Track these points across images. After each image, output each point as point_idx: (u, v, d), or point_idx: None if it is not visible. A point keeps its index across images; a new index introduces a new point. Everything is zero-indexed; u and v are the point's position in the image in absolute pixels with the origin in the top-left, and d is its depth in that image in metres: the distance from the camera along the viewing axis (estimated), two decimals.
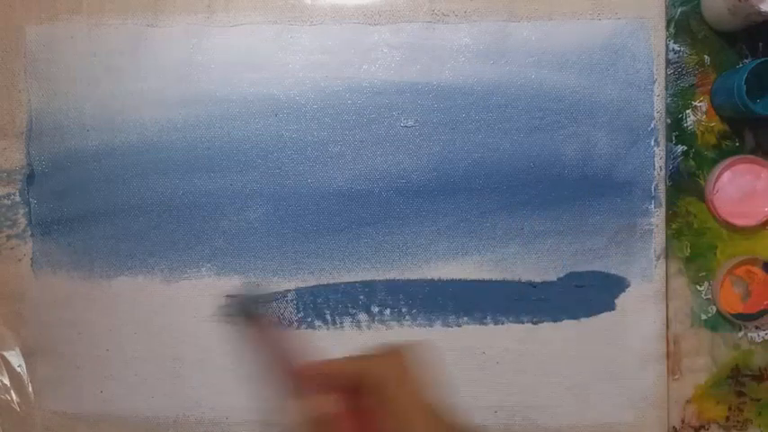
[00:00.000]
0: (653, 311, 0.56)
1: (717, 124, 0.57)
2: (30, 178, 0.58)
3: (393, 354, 0.34)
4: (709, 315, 0.57)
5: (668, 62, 0.56)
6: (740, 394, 0.57)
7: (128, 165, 0.57)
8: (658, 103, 0.55)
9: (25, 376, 0.58)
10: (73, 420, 0.58)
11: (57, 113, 0.57)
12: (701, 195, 0.57)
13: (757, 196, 0.56)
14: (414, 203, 0.56)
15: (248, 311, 0.38)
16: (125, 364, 0.58)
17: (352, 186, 0.57)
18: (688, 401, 0.57)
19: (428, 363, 0.34)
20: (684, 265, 0.57)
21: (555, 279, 0.56)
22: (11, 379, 0.58)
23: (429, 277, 0.57)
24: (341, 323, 0.57)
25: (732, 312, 0.56)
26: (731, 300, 0.56)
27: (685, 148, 0.57)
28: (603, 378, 0.56)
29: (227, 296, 0.39)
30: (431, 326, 0.57)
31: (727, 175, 0.56)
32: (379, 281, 0.57)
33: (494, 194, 0.56)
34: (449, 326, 0.57)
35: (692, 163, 0.57)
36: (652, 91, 0.55)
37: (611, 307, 0.56)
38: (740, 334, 0.57)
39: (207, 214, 0.57)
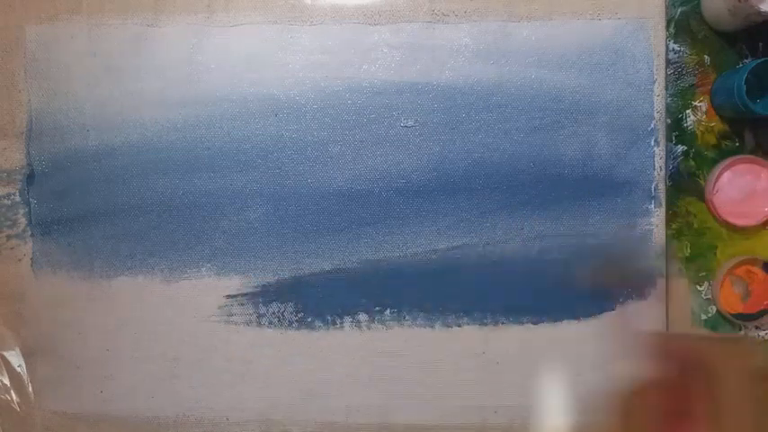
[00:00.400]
0: (653, 311, 0.56)
1: (717, 124, 0.57)
2: (30, 178, 0.58)
3: (738, 342, 0.34)
4: (709, 315, 0.57)
5: (668, 62, 0.56)
6: None
7: (128, 165, 0.57)
8: (658, 103, 0.55)
9: (25, 376, 0.58)
10: (73, 420, 0.58)
11: (57, 113, 0.57)
12: (701, 195, 0.57)
13: (757, 196, 0.56)
14: (414, 203, 0.56)
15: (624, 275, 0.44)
16: (125, 364, 0.58)
17: (352, 186, 0.57)
18: None
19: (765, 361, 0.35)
20: (684, 265, 0.57)
21: (555, 279, 0.56)
22: (11, 379, 0.58)
23: (429, 277, 0.57)
24: (341, 323, 0.57)
25: (732, 312, 0.56)
26: (731, 300, 0.56)
27: (685, 148, 0.57)
28: (603, 378, 0.56)
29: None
30: (431, 326, 0.57)
31: (727, 175, 0.56)
32: (380, 281, 0.57)
33: (494, 194, 0.56)
34: (449, 326, 0.57)
35: (692, 163, 0.57)
36: (652, 91, 0.55)
37: (611, 307, 0.56)
38: (740, 334, 0.57)
39: (207, 214, 0.57)
